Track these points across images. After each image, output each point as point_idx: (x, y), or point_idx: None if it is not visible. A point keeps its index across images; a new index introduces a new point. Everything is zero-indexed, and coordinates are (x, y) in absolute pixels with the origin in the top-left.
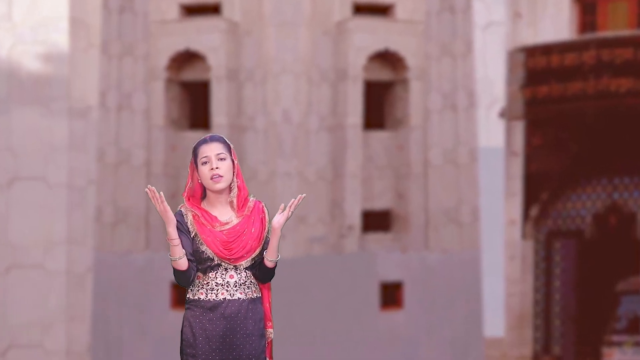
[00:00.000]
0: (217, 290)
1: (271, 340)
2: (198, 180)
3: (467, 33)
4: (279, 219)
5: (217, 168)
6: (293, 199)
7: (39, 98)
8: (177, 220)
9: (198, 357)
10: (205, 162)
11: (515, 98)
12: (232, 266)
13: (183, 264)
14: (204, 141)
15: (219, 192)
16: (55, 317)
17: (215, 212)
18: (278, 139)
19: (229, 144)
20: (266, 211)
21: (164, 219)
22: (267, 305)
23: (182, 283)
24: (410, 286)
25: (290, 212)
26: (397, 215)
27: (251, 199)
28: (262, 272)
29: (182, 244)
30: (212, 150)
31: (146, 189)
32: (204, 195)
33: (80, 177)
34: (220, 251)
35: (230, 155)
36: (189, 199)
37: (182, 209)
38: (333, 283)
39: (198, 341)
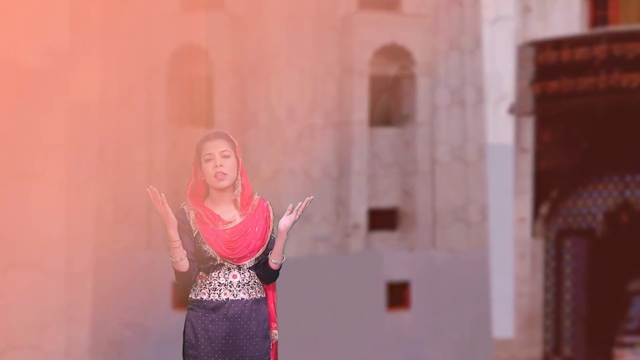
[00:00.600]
0: (220, 290)
1: (276, 342)
2: (201, 177)
3: (476, 27)
4: (285, 222)
5: (220, 166)
6: (301, 202)
7: (38, 94)
8: (179, 219)
9: (200, 358)
10: (209, 160)
11: (525, 93)
12: (235, 266)
13: (184, 265)
14: (208, 138)
15: (223, 190)
16: (54, 318)
17: (218, 210)
18: (282, 136)
19: (233, 141)
20: (271, 210)
21: (165, 221)
22: (272, 306)
23: (182, 284)
24: (417, 286)
25: (297, 215)
26: (404, 214)
27: (255, 197)
28: (265, 273)
29: (183, 244)
30: (215, 147)
31: (147, 189)
32: (207, 193)
33: (80, 175)
34: (223, 250)
35: (235, 152)
36: (191, 197)
37: (184, 207)
38: (338, 283)
39: (200, 342)
